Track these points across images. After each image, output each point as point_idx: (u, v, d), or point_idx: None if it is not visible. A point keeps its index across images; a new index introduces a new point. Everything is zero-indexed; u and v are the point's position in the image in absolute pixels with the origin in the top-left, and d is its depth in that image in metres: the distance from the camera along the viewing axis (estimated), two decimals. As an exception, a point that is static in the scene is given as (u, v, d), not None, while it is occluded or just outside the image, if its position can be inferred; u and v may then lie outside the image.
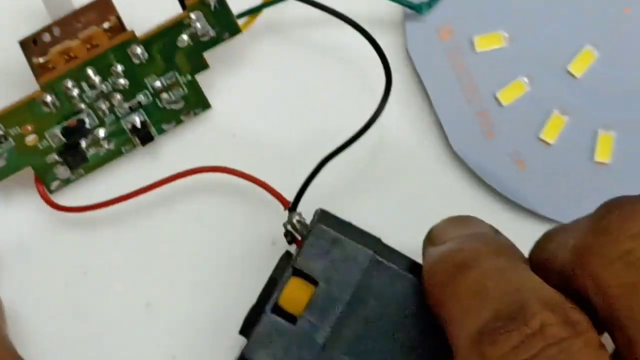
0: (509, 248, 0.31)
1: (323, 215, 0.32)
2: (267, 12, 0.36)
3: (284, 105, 0.36)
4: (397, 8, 0.36)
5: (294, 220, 0.33)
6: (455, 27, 0.35)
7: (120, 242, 0.36)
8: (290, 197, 0.34)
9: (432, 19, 0.35)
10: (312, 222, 0.33)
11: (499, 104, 0.34)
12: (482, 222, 0.32)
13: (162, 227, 0.36)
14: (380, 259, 0.32)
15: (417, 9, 0.34)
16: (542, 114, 0.34)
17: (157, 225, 0.36)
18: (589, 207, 0.29)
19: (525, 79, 0.34)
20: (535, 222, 0.35)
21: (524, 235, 0.32)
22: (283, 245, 0.34)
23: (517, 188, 0.34)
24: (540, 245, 0.31)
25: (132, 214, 0.36)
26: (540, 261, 0.31)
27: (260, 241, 0.36)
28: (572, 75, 0.34)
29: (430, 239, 0.32)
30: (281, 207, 0.33)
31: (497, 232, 0.32)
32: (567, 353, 0.26)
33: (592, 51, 0.34)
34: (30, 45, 0.32)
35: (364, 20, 0.35)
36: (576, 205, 0.34)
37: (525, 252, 0.32)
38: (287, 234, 0.33)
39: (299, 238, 0.33)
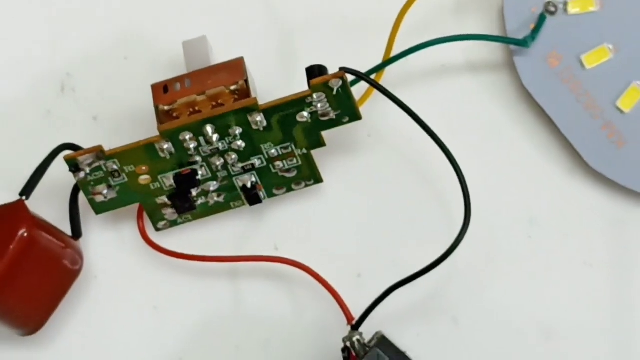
0: None
1: (382, 341, 0.32)
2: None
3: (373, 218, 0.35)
4: (502, 47, 0.36)
5: (354, 339, 0.32)
6: (561, 51, 0.34)
7: (191, 294, 0.35)
8: (355, 308, 0.33)
9: (538, 50, 0.35)
10: (370, 342, 0.32)
11: (621, 112, 0.34)
12: None
13: (223, 298, 0.35)
14: None
15: (523, 44, 0.34)
16: None
17: (221, 293, 0.35)
18: None
19: (639, 82, 0.34)
20: None
21: None
22: (335, 354, 0.33)
23: None
24: None
25: (208, 272, 0.35)
26: None
27: (312, 343, 0.35)
28: None
29: None
30: (343, 319, 0.33)
31: None
32: None
33: None
34: (160, 92, 0.32)
35: (468, 67, 0.36)
36: None
37: None
38: (344, 350, 0.32)
39: (354, 355, 0.32)
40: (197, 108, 0.32)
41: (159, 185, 0.33)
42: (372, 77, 0.33)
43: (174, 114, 0.32)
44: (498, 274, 0.34)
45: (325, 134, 0.33)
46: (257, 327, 0.35)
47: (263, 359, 0.35)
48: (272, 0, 0.36)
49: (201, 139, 0.32)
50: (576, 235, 0.35)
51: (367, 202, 0.35)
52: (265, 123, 0.32)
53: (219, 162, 0.33)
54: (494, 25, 0.36)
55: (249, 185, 0.33)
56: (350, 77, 0.32)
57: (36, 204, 0.33)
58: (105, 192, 0.33)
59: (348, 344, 0.32)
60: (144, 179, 0.33)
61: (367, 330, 0.32)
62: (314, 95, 0.32)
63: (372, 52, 0.33)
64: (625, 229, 0.35)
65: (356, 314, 0.32)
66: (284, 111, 0.32)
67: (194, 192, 0.33)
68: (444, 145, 0.32)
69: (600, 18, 0.34)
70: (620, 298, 0.35)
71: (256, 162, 0.33)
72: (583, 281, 0.35)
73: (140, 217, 0.34)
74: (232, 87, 0.32)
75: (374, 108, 0.34)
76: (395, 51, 0.33)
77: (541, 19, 0.34)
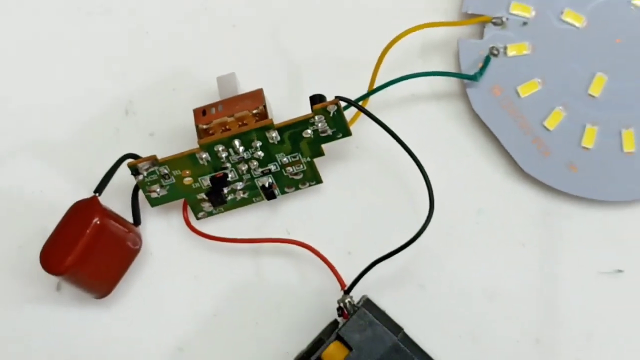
0: None
1: (367, 302, 0.32)
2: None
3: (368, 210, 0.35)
4: (458, 81, 0.35)
5: (346, 301, 0.32)
6: (502, 84, 0.34)
7: (222, 267, 0.35)
8: (347, 277, 0.33)
9: (485, 83, 0.35)
10: (358, 303, 0.32)
11: (547, 130, 0.34)
12: None
13: (247, 270, 0.35)
14: (401, 344, 0.31)
15: (473, 78, 0.34)
16: (579, 129, 0.34)
17: (246, 266, 0.35)
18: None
19: (562, 107, 0.34)
20: (589, 205, 0.34)
21: (578, 213, 0.34)
22: (330, 313, 0.33)
23: (573, 185, 0.34)
24: None
25: (236, 251, 0.35)
26: None
27: (314, 305, 0.35)
28: (593, 96, 0.34)
29: None
30: (337, 285, 0.33)
31: None
32: None
33: (602, 76, 0.34)
34: (200, 114, 0.33)
35: (433, 96, 0.35)
36: (615, 184, 0.34)
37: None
38: (339, 309, 0.32)
39: (347, 313, 0.32)
40: (227, 127, 0.32)
41: (198, 185, 0.33)
42: (360, 103, 0.33)
43: (210, 131, 0.33)
44: (454, 251, 0.35)
45: (324, 146, 0.33)
46: (272, 292, 0.35)
47: (276, 318, 0.35)
48: (284, 45, 0.36)
49: (230, 150, 0.32)
50: (513, 222, 0.35)
51: (356, 198, 0.35)
52: (279, 138, 0.32)
53: (244, 167, 0.33)
54: (452, 64, 0.36)
55: (266, 185, 0.34)
56: (343, 103, 0.32)
57: (106, 199, 0.33)
58: (158, 190, 0.33)
59: (341, 305, 0.32)
60: (187, 180, 0.33)
61: (356, 295, 0.32)
62: (316, 117, 0.32)
63: (359, 84, 0.33)
64: (550, 218, 0.35)
65: (347, 282, 0.33)
66: (293, 129, 0.32)
67: (225, 190, 0.34)
68: (414, 155, 0.32)
69: (531, 59, 0.34)
70: (545, 270, 0.34)
71: (272, 167, 0.33)
72: (518, 257, 0.35)
73: (184, 209, 0.34)
74: (254, 111, 0.33)
75: (361, 127, 0.34)
76: (377, 83, 0.33)
77: (487, 60, 0.34)
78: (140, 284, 0.35)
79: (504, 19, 0.34)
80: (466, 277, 0.34)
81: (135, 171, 0.32)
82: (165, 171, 0.32)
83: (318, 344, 0.31)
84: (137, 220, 0.34)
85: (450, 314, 0.34)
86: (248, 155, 0.33)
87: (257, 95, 0.33)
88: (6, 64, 0.37)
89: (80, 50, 0.37)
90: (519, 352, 0.34)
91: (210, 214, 0.34)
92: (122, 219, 0.33)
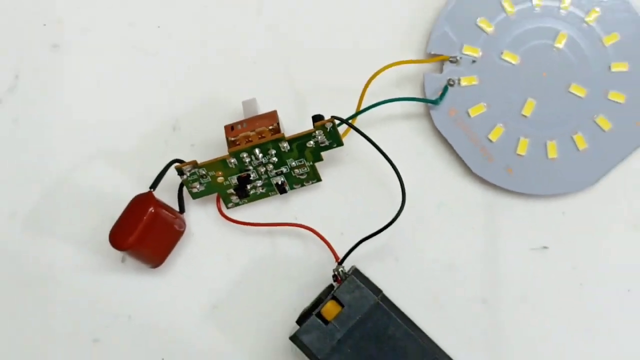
0: None
1: (355, 271, 0.33)
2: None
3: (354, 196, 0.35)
4: (424, 104, 0.35)
5: (339, 270, 0.33)
6: (457, 107, 0.35)
7: (246, 244, 0.35)
8: (340, 252, 0.33)
9: (444, 106, 0.35)
10: (348, 272, 0.33)
11: (491, 141, 0.34)
12: None
13: (265, 246, 0.35)
14: (381, 303, 0.32)
15: (435, 103, 0.34)
16: (515, 141, 0.34)
17: (264, 244, 0.35)
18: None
19: (501, 124, 0.34)
20: (522, 198, 0.34)
21: (514, 204, 0.34)
22: (327, 279, 0.34)
23: (510, 183, 0.34)
24: None
25: (249, 234, 0.35)
26: None
27: (315, 273, 0.35)
28: (525, 116, 0.34)
29: None
30: (332, 259, 0.33)
31: None
32: None
33: (532, 101, 0.34)
34: (229, 129, 0.33)
35: (405, 116, 0.35)
36: (541, 182, 0.34)
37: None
38: (334, 276, 0.33)
39: (340, 279, 0.33)
40: (250, 139, 0.33)
41: (228, 183, 0.34)
42: (350, 121, 0.33)
43: (237, 142, 0.33)
44: (421, 233, 0.35)
45: (323, 153, 0.34)
46: (284, 263, 0.35)
47: (287, 283, 0.35)
48: (292, 76, 0.36)
49: (252, 156, 0.33)
50: (465, 211, 0.35)
51: (347, 192, 0.35)
52: (289, 147, 0.33)
53: (262, 169, 0.33)
54: (419, 92, 0.36)
55: (279, 182, 0.34)
56: (337, 121, 0.33)
57: (159, 193, 0.33)
58: (197, 186, 0.33)
59: (336, 273, 0.32)
60: (219, 179, 0.33)
61: (347, 265, 0.33)
62: (316, 132, 0.32)
63: (349, 106, 0.34)
64: (493, 208, 0.35)
65: (340, 256, 0.33)
66: (299, 140, 0.33)
67: (248, 187, 0.34)
68: (391, 161, 0.32)
69: (479, 88, 0.35)
70: (490, 247, 0.35)
71: (283, 169, 0.33)
72: (469, 238, 0.35)
73: (218, 201, 0.35)
74: (270, 127, 0.33)
75: (351, 139, 0.34)
76: (363, 106, 0.34)
77: (445, 89, 0.34)
78: (184, 257, 0.35)
79: (458, 58, 0.35)
80: (430, 253, 0.35)
81: (180, 172, 0.33)
82: (203, 172, 0.33)
83: (318, 302, 0.32)
84: (182, 209, 0.34)
85: (418, 281, 0.35)
86: (265, 160, 0.33)
87: (272, 115, 0.33)
88: (88, 91, 0.37)
89: (140, 81, 0.36)
90: (470, 310, 0.34)
91: (237, 204, 0.35)
92: (171, 208, 0.34)
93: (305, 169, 0.34)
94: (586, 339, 0.34)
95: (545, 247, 0.35)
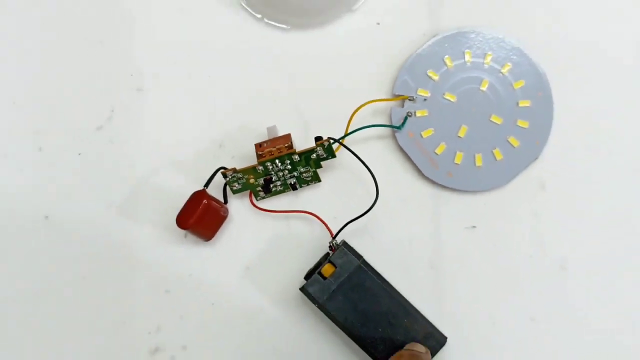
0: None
1: (344, 243, 0.33)
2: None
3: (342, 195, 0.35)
4: (390, 129, 0.35)
5: (333, 242, 0.33)
6: (413, 131, 0.34)
7: (268, 225, 0.35)
8: (334, 230, 0.34)
9: (405, 130, 0.34)
10: (340, 244, 0.33)
11: (437, 154, 0.34)
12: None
13: (281, 226, 0.35)
14: (362, 265, 0.32)
15: (399, 128, 0.34)
16: (453, 154, 0.34)
17: (281, 225, 0.35)
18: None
19: (444, 142, 0.34)
20: (458, 193, 0.35)
21: (459, 200, 0.35)
22: (325, 248, 0.34)
23: (450, 183, 0.34)
24: None
25: (271, 218, 0.35)
26: None
27: (315, 245, 0.35)
28: (460, 137, 0.34)
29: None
30: (329, 235, 0.34)
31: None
32: None
33: (465, 127, 0.34)
34: (258, 146, 0.34)
35: (378, 137, 0.35)
36: (471, 182, 0.34)
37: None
38: (330, 247, 0.33)
39: (334, 248, 0.33)
40: (272, 153, 0.34)
41: (257, 183, 0.34)
42: (341, 141, 0.33)
43: (263, 155, 0.34)
44: (390, 218, 0.35)
45: (322, 163, 0.34)
46: (295, 238, 0.35)
47: (297, 251, 0.35)
48: (300, 110, 0.36)
49: (273, 165, 0.33)
50: (419, 203, 0.35)
51: (338, 190, 0.35)
52: (298, 158, 0.34)
53: (280, 174, 0.34)
54: (388, 120, 0.35)
55: (292, 182, 0.35)
56: (331, 140, 0.33)
57: (210, 190, 0.34)
58: (236, 185, 0.34)
59: (330, 244, 0.33)
60: (251, 180, 0.34)
61: (338, 239, 0.34)
62: (317, 148, 0.33)
63: (340, 130, 0.34)
64: (438, 200, 0.35)
65: (334, 233, 0.34)
66: (306, 154, 0.33)
67: (271, 185, 0.34)
68: (369, 168, 0.33)
69: (428, 118, 0.35)
70: (435, 227, 0.35)
71: (295, 173, 0.34)
72: (421, 221, 0.35)
73: (250, 195, 0.35)
74: (286, 145, 0.34)
75: (341, 153, 0.34)
76: (349, 130, 0.34)
77: (405, 118, 0.35)
78: (227, 234, 0.35)
79: (414, 97, 0.35)
80: (395, 232, 0.35)
81: (224, 176, 0.34)
82: (240, 176, 0.34)
83: (319, 264, 0.33)
84: (225, 201, 0.35)
85: (387, 251, 0.35)
86: (282, 167, 0.34)
87: (287, 137, 0.34)
88: (161, 120, 0.36)
89: (197, 113, 0.36)
90: (418, 273, 0.35)
91: (263, 197, 0.35)
92: (218, 200, 0.34)
93: (310, 173, 0.34)
94: (496, 287, 0.35)
95: (474, 227, 0.35)
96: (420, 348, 0.31)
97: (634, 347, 0.34)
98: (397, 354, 0.30)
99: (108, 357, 0.34)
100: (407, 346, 0.31)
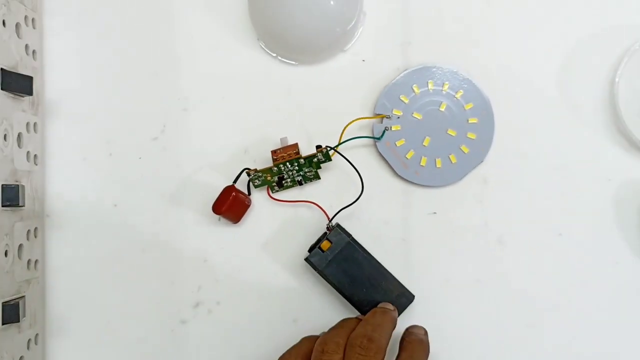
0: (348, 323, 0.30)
1: (338, 225, 0.34)
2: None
3: (337, 190, 0.36)
4: (372, 140, 0.35)
5: (329, 224, 0.34)
6: (390, 141, 0.34)
7: (280, 211, 0.36)
8: (330, 214, 0.35)
9: (384, 140, 0.34)
10: (335, 225, 0.34)
11: (407, 159, 0.34)
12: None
13: (290, 213, 0.36)
14: (351, 242, 0.33)
15: (379, 139, 0.34)
16: (419, 158, 0.34)
17: (290, 212, 0.36)
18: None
19: (413, 149, 0.34)
20: (423, 188, 0.35)
21: (423, 193, 0.35)
22: (323, 229, 0.35)
23: (418, 180, 0.34)
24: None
25: (283, 206, 0.36)
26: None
27: (316, 227, 0.36)
28: (425, 146, 0.34)
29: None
30: (326, 219, 0.35)
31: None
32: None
33: (429, 138, 0.34)
34: (273, 152, 0.34)
35: (363, 146, 0.35)
36: (434, 179, 0.34)
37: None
38: (327, 228, 0.34)
39: (330, 229, 0.34)
40: (284, 157, 0.34)
41: (273, 180, 0.35)
42: (335, 148, 0.34)
43: (277, 159, 0.34)
44: (370, 207, 0.35)
45: (322, 165, 0.35)
46: (301, 222, 0.36)
47: (303, 231, 0.35)
48: (305, 126, 0.36)
49: (285, 166, 0.34)
50: (393, 195, 0.36)
51: (333, 185, 0.36)
52: (304, 162, 0.34)
53: (290, 173, 0.35)
54: (370, 133, 0.35)
55: (299, 179, 0.35)
56: (329, 148, 0.34)
57: (237, 185, 0.35)
58: (257, 182, 0.35)
59: (328, 226, 0.34)
60: (268, 178, 0.35)
61: (334, 222, 0.34)
62: (318, 154, 0.34)
63: (335, 140, 0.34)
64: (408, 193, 0.36)
65: (330, 217, 0.34)
66: (309, 158, 0.34)
67: (283, 182, 0.35)
68: (357, 169, 0.34)
69: (402, 132, 0.35)
70: (405, 214, 0.35)
71: (301, 173, 0.35)
72: (393, 208, 0.35)
73: (267, 189, 0.35)
74: (294, 151, 0.34)
75: (336, 158, 0.35)
76: (342, 139, 0.34)
77: (384, 132, 0.35)
78: (250, 218, 0.36)
79: (390, 115, 0.35)
80: (375, 216, 0.36)
81: (248, 174, 0.34)
82: (260, 174, 0.34)
83: (319, 241, 0.34)
84: (249, 193, 0.35)
85: (369, 231, 0.36)
86: (292, 168, 0.34)
87: (295, 145, 0.35)
88: (203, 133, 0.36)
89: (228, 128, 0.36)
90: (393, 247, 0.35)
91: (277, 191, 0.36)
92: (244, 192, 0.35)
93: (312, 173, 0.35)
94: (451, 257, 0.35)
95: (434, 213, 0.35)
96: (389, 306, 0.31)
97: (551, 299, 0.35)
98: (372, 310, 0.31)
99: (162, 308, 0.35)
100: (380, 305, 0.32)
